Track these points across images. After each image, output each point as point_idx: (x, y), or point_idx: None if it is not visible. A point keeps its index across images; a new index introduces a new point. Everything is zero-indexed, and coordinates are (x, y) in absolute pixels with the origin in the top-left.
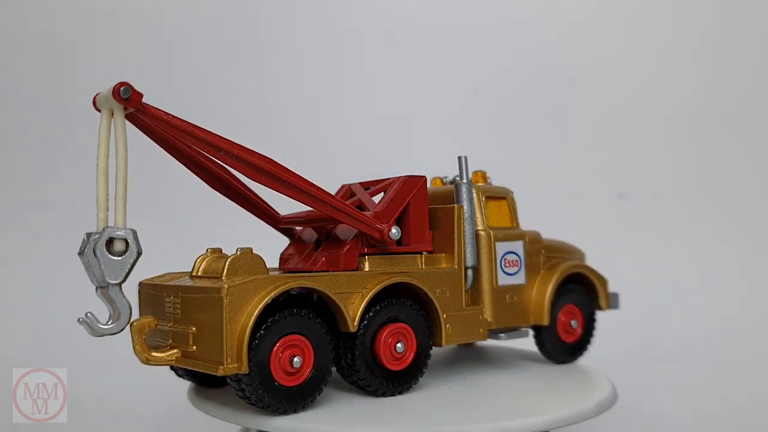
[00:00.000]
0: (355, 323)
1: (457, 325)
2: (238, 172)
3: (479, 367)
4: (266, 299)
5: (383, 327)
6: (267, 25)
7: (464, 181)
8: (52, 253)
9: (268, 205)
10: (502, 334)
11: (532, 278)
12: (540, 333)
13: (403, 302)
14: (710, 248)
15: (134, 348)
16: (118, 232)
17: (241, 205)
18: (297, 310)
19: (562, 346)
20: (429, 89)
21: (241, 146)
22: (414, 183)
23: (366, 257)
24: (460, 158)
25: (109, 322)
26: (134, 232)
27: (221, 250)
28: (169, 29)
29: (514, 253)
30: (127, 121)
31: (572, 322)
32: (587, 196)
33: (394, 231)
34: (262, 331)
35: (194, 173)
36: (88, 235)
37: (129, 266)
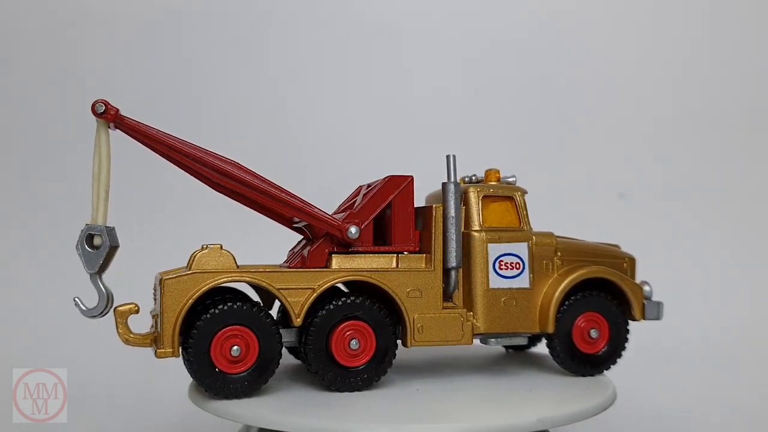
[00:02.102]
0: (300, 318)
1: (431, 326)
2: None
3: (467, 370)
4: (200, 291)
5: (339, 323)
6: (266, 25)
7: (451, 180)
8: (52, 253)
9: None
10: (492, 339)
11: (540, 282)
12: (551, 341)
13: (362, 300)
14: (710, 248)
15: (117, 330)
16: (94, 229)
17: (251, 208)
18: (240, 303)
19: (580, 357)
20: (429, 89)
21: (209, 153)
22: (397, 183)
23: (334, 255)
24: (448, 157)
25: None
26: (108, 229)
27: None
28: (171, 31)
29: (515, 255)
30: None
31: (592, 332)
32: (587, 196)
33: (353, 230)
34: (200, 322)
35: (198, 179)
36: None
37: (102, 258)
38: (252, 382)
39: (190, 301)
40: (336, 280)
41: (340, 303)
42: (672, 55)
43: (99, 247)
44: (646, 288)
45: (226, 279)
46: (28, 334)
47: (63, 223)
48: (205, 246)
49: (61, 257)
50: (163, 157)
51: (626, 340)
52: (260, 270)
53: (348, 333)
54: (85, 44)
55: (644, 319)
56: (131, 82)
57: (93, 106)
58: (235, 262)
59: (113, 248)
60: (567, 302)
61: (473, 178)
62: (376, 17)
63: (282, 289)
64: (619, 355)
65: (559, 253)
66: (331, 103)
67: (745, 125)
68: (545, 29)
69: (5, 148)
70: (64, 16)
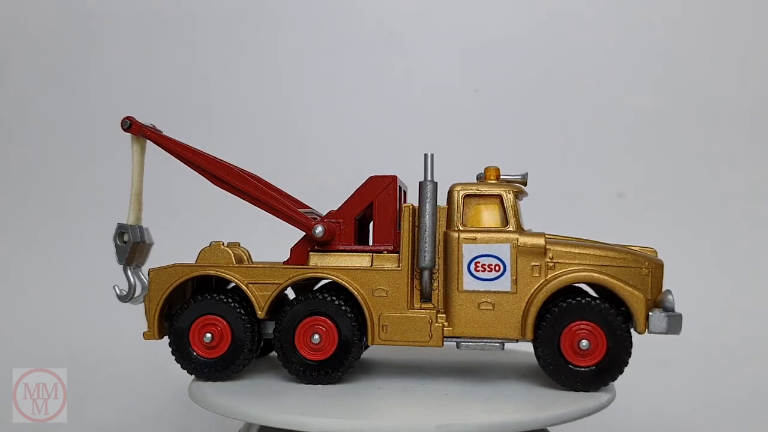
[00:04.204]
0: (262, 312)
1: (396, 326)
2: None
3: (445, 374)
4: (175, 282)
5: (305, 318)
6: (267, 26)
7: (428, 179)
8: (53, 254)
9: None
10: (463, 343)
11: (527, 286)
12: (536, 350)
13: (324, 296)
14: (709, 248)
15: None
16: (123, 227)
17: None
18: (215, 294)
19: (569, 370)
20: (428, 89)
21: (215, 161)
22: (379, 183)
23: (312, 253)
24: (425, 156)
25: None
26: (133, 227)
27: (222, 243)
28: (175, 32)
29: (494, 257)
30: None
31: (582, 342)
32: (587, 196)
33: (318, 229)
34: (180, 311)
35: (220, 187)
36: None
37: (127, 253)
38: (224, 367)
39: (168, 290)
40: (299, 277)
41: (302, 298)
42: (673, 55)
43: (127, 243)
44: (669, 298)
45: (198, 272)
46: (28, 334)
47: (64, 223)
48: (212, 242)
49: (62, 257)
50: (196, 169)
51: (627, 354)
52: (230, 266)
53: (311, 328)
54: (93, 45)
55: (649, 332)
56: (138, 82)
57: (121, 122)
58: (233, 259)
59: (136, 244)
60: (555, 308)
61: (479, 176)
62: (376, 17)
63: (251, 283)
64: (619, 371)
65: (551, 255)
66: (333, 104)
67: (747, 124)
68: (545, 29)
69: (9, 149)
70: (69, 16)
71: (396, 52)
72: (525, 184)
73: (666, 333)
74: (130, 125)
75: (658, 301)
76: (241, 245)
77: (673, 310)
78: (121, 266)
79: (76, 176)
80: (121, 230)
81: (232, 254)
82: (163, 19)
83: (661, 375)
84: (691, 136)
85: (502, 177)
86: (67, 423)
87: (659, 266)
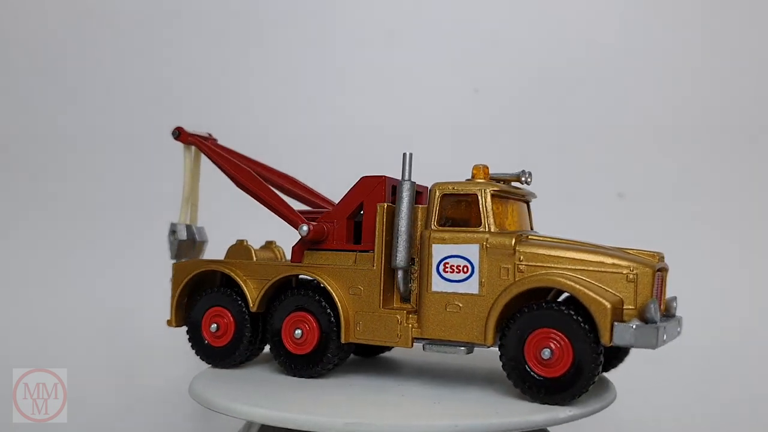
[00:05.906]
0: (255, 305)
1: (368, 324)
2: None
3: (421, 376)
4: (189, 276)
5: (291, 313)
6: (266, 25)
7: (405, 179)
8: (53, 253)
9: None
10: (428, 345)
11: (495, 289)
12: (500, 357)
13: (305, 292)
14: (709, 248)
15: None
16: (174, 225)
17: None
18: (219, 287)
19: (534, 379)
20: (428, 89)
21: (231, 161)
22: (370, 184)
23: (307, 251)
24: (404, 155)
25: None
26: (180, 226)
27: (245, 241)
28: (174, 32)
29: (462, 258)
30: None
31: (544, 351)
32: (587, 196)
33: (304, 228)
34: (194, 303)
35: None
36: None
37: (176, 248)
38: (227, 356)
39: (183, 282)
40: (285, 273)
41: (288, 294)
42: (673, 55)
43: (175, 240)
44: (650, 307)
45: (206, 267)
46: (28, 334)
47: (64, 223)
48: (237, 240)
49: (62, 257)
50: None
51: (595, 366)
52: (231, 261)
53: (296, 323)
54: (93, 45)
55: (614, 344)
56: (138, 82)
57: (171, 132)
58: (254, 256)
59: (182, 241)
60: (519, 314)
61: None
62: (375, 17)
63: (247, 278)
64: (586, 385)
65: (520, 258)
66: (333, 104)
67: (747, 124)
68: (545, 29)
69: (9, 149)
70: (69, 16)
71: (396, 52)
72: (526, 183)
73: (633, 346)
74: (178, 134)
75: (640, 309)
76: (276, 244)
77: (654, 322)
78: (172, 261)
79: (76, 176)
80: (172, 228)
81: (254, 252)
82: (163, 19)
83: (660, 375)
84: (692, 136)
85: (491, 175)
86: (67, 423)
87: (647, 272)
